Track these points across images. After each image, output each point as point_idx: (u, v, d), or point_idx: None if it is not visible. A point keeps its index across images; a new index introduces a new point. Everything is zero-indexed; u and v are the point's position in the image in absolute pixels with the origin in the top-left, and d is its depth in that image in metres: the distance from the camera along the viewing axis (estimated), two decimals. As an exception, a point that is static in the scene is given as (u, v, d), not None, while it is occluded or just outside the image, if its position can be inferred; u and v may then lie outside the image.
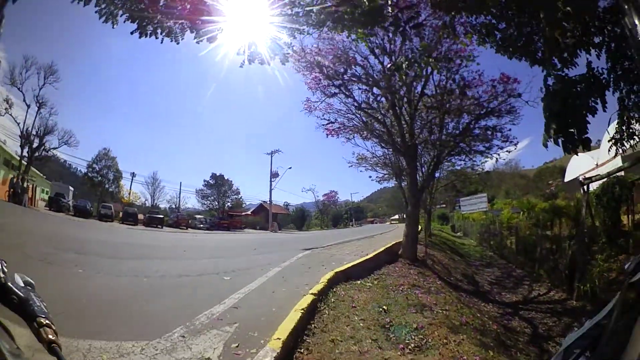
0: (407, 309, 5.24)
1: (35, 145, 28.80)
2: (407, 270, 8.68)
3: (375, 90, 10.63)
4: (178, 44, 8.64)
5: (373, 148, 15.92)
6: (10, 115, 27.98)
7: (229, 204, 56.00)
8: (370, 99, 10.53)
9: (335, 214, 65.17)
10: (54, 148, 31.46)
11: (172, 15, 8.03)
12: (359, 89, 10.84)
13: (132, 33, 8.32)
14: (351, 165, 17.53)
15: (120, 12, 7.95)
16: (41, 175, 32.90)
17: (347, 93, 10.10)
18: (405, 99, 10.85)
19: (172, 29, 8.34)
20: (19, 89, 28.41)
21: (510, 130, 12.30)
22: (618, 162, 15.99)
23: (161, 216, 29.72)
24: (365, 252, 10.52)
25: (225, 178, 56.60)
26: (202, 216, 40.90)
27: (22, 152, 27.81)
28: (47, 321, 0.76)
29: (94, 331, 3.37)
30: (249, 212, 54.70)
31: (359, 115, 11.46)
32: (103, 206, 27.57)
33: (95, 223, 22.52)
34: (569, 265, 9.54)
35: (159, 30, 8.43)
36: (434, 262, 11.67)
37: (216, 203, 55.13)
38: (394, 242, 12.10)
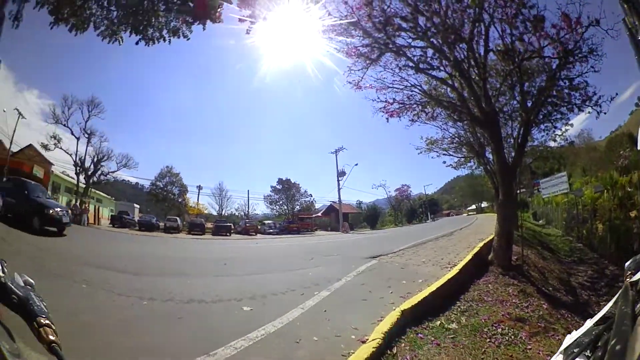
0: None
1: (90, 171, 30.73)
2: (503, 288, 6.29)
3: (430, 52, 8.16)
4: (188, 39, 7.66)
5: (442, 127, 13.21)
6: (61, 148, 29.66)
7: (298, 207, 55.98)
8: (428, 57, 7.92)
9: (409, 209, 61.09)
10: (113, 172, 33.33)
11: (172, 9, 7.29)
12: (411, 54, 8.49)
13: (137, 43, 7.51)
14: (420, 152, 15.28)
15: (122, 27, 7.33)
16: (107, 196, 35.79)
17: (396, 50, 7.63)
18: (472, 62, 8.14)
19: (177, 27, 7.56)
20: (64, 125, 29.87)
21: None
22: None
23: (228, 224, 30.47)
24: (446, 261, 8.08)
25: (293, 182, 56.94)
26: (271, 221, 41.25)
27: (77, 179, 29.78)
28: (47, 321, 0.74)
29: None
30: (319, 214, 54.09)
31: (419, 86, 8.92)
32: (168, 219, 29.24)
33: (160, 236, 23.42)
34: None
35: (164, 32, 7.61)
36: (529, 267, 8.89)
37: (285, 207, 55.61)
38: (481, 244, 9.28)
